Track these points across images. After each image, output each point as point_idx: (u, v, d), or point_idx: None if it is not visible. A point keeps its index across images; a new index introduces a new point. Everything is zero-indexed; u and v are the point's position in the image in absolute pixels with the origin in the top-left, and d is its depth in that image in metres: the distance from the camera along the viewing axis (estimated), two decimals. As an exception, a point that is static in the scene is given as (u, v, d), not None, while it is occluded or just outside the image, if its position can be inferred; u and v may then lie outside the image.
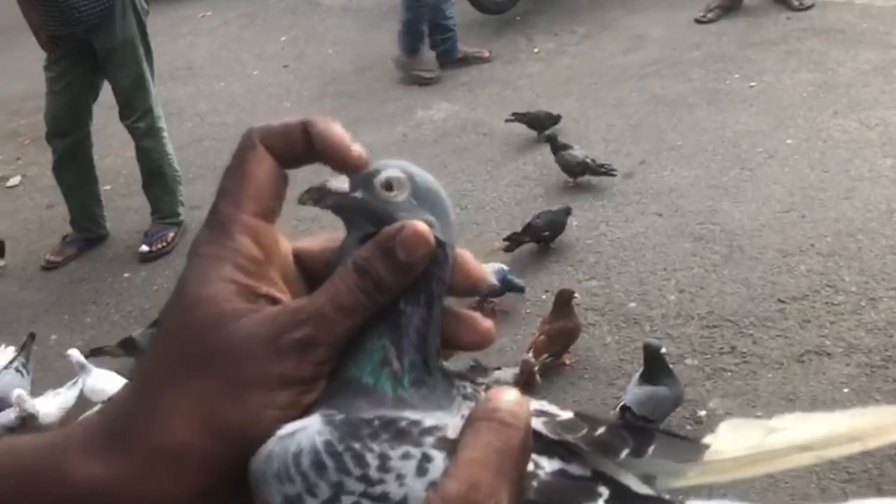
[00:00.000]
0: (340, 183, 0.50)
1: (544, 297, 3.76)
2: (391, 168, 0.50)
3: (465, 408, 0.48)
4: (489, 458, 0.44)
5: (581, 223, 4.13)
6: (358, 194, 0.50)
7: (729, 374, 3.29)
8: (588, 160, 4.49)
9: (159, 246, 4.56)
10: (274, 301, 0.49)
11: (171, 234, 4.63)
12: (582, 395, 3.30)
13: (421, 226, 0.48)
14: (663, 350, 3.05)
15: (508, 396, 0.46)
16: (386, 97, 6.03)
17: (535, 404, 0.50)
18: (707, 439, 0.50)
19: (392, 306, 0.48)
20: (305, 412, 0.47)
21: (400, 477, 0.44)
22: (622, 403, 3.02)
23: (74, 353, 3.51)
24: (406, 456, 0.44)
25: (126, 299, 4.35)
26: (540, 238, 4.07)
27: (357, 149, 0.51)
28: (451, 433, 0.45)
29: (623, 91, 5.49)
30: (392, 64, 6.17)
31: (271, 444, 0.45)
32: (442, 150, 5.19)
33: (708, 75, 5.51)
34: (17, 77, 6.69)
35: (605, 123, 5.08)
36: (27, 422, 3.31)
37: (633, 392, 3.01)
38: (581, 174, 4.53)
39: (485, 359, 3.49)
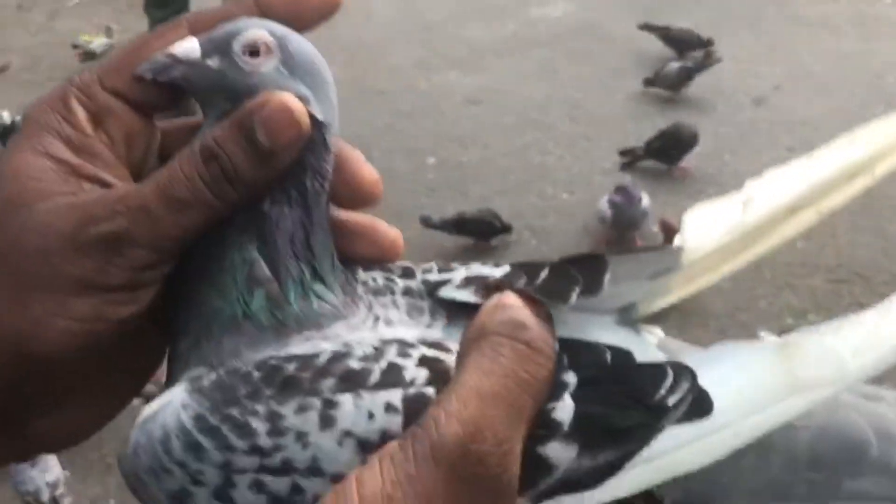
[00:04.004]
0: (189, 48, 0.40)
1: (654, 229, 3.45)
2: (255, 28, 0.40)
3: (379, 307, 0.40)
4: (506, 390, 0.34)
5: (703, 150, 3.76)
6: (212, 62, 0.40)
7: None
8: (688, 65, 4.11)
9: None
10: (103, 186, 0.39)
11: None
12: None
13: (290, 99, 0.39)
14: None
15: (535, 312, 0.35)
16: (498, -11, 5.66)
17: (464, 271, 0.43)
18: (676, 241, 0.42)
19: (254, 209, 0.39)
20: (129, 333, 0.38)
21: (301, 437, 0.35)
22: None
23: None
24: (302, 409, 0.36)
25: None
26: (651, 152, 3.72)
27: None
28: (357, 360, 0.36)
29: (759, 5, 5.02)
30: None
31: (134, 435, 0.37)
32: (554, 54, 4.83)
33: (856, -5, 5.00)
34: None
35: (738, 41, 4.64)
36: None
37: None
38: (683, 82, 4.15)
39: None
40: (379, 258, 0.43)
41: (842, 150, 0.43)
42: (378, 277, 0.42)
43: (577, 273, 0.40)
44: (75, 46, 5.17)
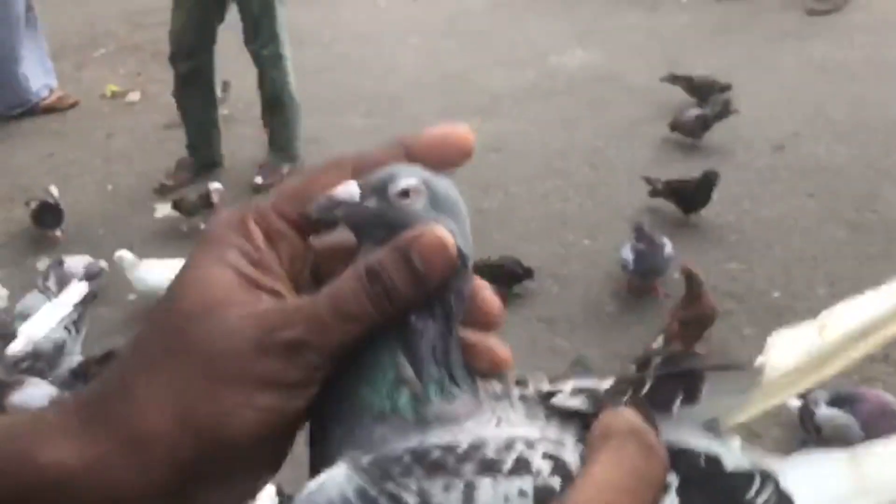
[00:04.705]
0: (349, 191, 0.46)
1: (676, 276, 3.46)
2: (407, 175, 0.46)
3: (500, 409, 0.46)
4: (632, 484, 0.40)
5: (723, 196, 3.78)
6: (371, 203, 0.46)
7: (880, 383, 2.96)
8: (707, 111, 4.16)
9: (273, 179, 4.40)
10: (276, 296, 0.46)
11: (286, 168, 4.46)
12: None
13: (443, 232, 0.45)
14: None
15: (648, 421, 0.42)
16: (518, 38, 5.73)
17: (573, 382, 0.47)
18: (759, 360, 0.46)
19: (402, 321, 0.45)
20: (293, 421, 0.45)
21: None
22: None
23: (126, 255, 3.60)
24: (447, 487, 0.41)
25: (235, 231, 4.21)
26: (670, 193, 3.75)
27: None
28: (492, 451, 0.42)
29: (778, 51, 5.07)
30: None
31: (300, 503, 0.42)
32: (574, 102, 4.88)
33: (874, 42, 5.03)
34: (144, -11, 6.58)
35: (756, 88, 4.67)
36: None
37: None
38: (703, 129, 4.19)
39: (609, 335, 3.25)
40: (493, 372, 0.49)
41: None
42: (497, 386, 0.48)
43: (679, 385, 0.45)
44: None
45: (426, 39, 5.91)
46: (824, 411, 2.56)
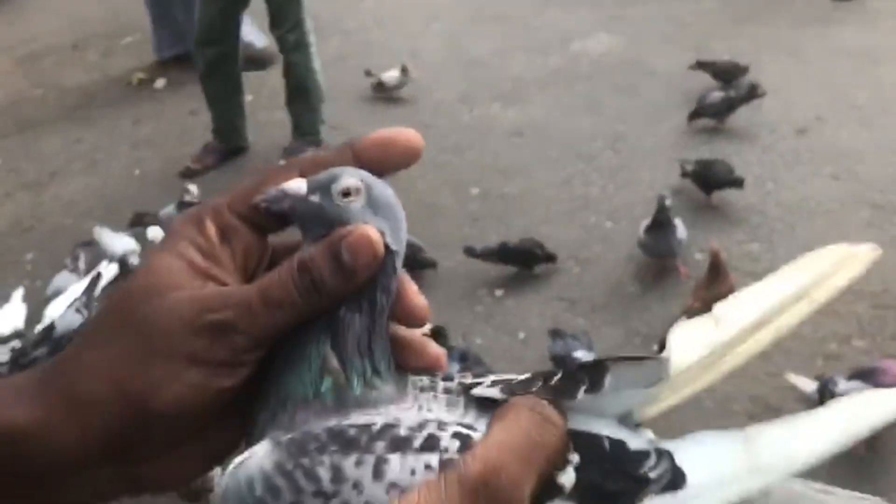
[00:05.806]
0: (297, 186, 0.50)
1: (699, 256, 3.47)
2: (349, 176, 0.50)
3: (423, 399, 0.49)
4: (522, 445, 0.44)
5: (746, 179, 3.78)
6: (315, 198, 0.50)
7: (902, 361, 2.97)
8: (732, 93, 4.16)
9: (298, 164, 4.44)
10: (223, 285, 0.49)
11: (310, 153, 4.50)
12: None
13: (371, 230, 0.48)
14: None
15: (552, 404, 0.46)
16: (542, 24, 5.73)
17: (493, 376, 0.51)
18: (664, 354, 0.49)
19: (333, 313, 0.49)
20: (218, 399, 0.48)
21: (357, 485, 0.44)
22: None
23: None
24: (359, 463, 0.45)
25: (260, 215, 4.25)
26: (694, 174, 3.77)
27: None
28: (404, 429, 0.46)
29: (803, 36, 5.04)
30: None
31: (224, 480, 0.46)
32: (597, 87, 4.88)
33: (899, 26, 5.00)
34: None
35: (780, 71, 4.66)
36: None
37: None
38: (728, 111, 4.19)
39: (629, 315, 3.27)
40: (425, 370, 0.52)
41: (789, 278, 0.52)
42: (424, 379, 0.51)
43: (584, 375, 0.48)
44: (368, 74, 5.11)
45: (449, 25, 5.93)
46: (844, 386, 2.56)
